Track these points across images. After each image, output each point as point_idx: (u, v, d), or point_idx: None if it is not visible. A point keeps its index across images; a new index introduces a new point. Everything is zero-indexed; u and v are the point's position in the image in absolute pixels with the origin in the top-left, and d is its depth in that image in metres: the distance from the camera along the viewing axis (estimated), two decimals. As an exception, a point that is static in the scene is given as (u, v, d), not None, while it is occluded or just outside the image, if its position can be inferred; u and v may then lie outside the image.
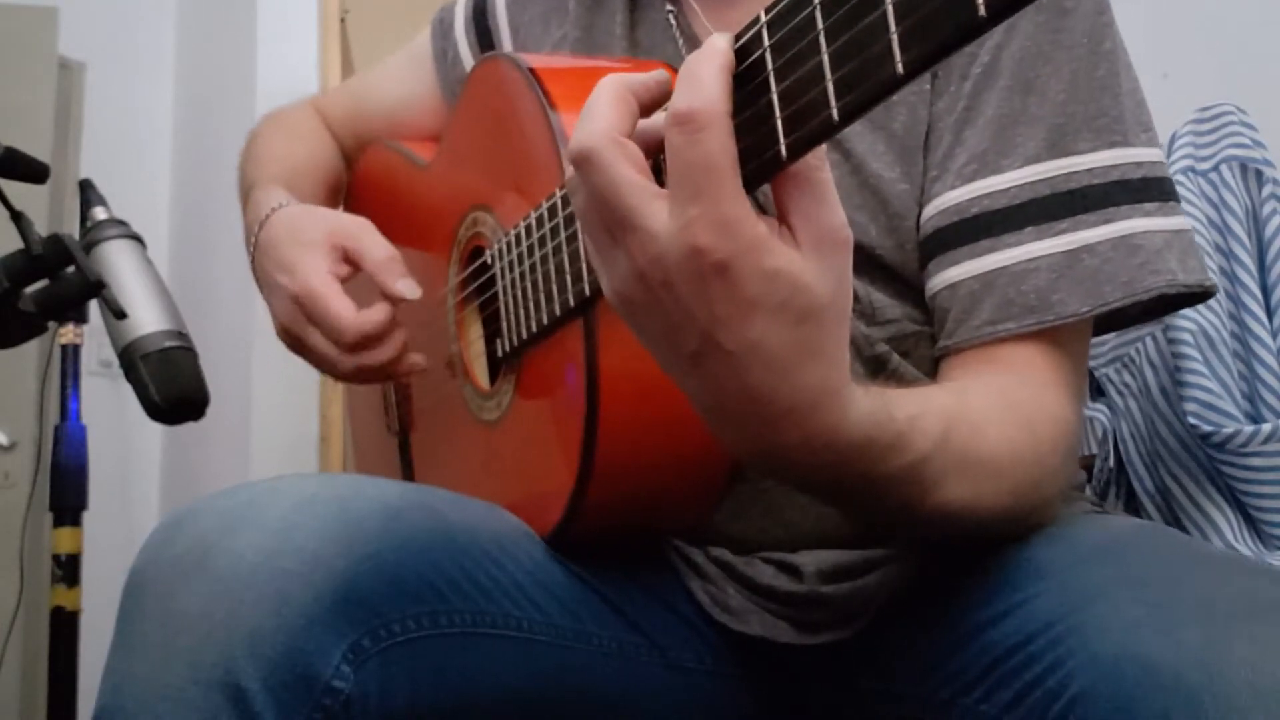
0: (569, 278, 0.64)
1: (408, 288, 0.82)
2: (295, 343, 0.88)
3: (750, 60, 0.46)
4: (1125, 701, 0.50)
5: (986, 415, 0.63)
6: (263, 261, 0.89)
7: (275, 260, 0.87)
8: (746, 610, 0.75)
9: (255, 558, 0.59)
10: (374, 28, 2.26)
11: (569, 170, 0.50)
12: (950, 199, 0.73)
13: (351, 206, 1.14)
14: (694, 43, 0.84)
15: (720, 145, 0.45)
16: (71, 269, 0.76)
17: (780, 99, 0.45)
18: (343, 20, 2.11)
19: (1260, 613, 0.52)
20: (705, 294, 0.47)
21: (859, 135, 0.75)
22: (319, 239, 0.85)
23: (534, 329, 0.71)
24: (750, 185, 0.46)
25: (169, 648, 0.57)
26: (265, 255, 0.89)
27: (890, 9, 0.40)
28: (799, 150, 0.45)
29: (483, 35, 1.00)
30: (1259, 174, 1.10)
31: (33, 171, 0.80)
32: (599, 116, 0.48)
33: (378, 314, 0.82)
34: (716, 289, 0.46)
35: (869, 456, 0.54)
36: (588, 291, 0.62)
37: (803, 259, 0.47)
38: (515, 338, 0.74)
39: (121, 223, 0.86)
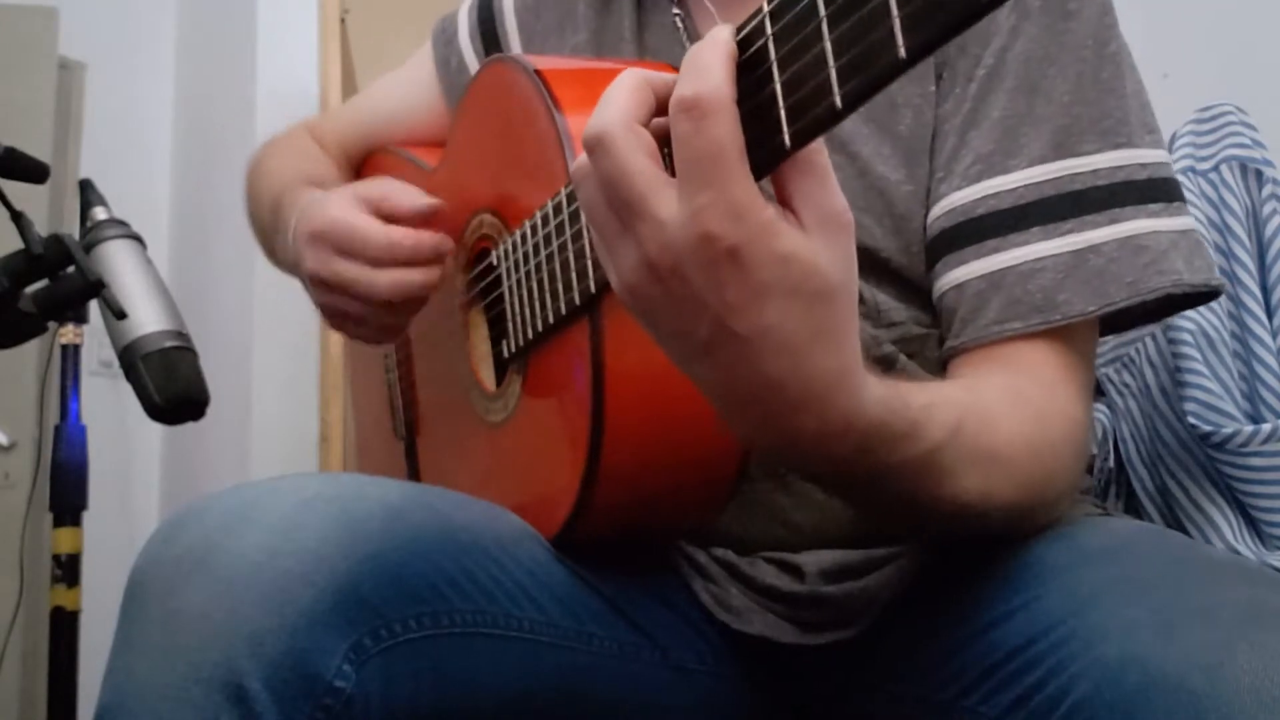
0: (574, 274, 0.64)
1: (425, 204, 0.82)
2: (327, 285, 0.84)
3: (753, 50, 0.46)
4: (1127, 707, 0.50)
5: (999, 409, 0.63)
6: (300, 232, 0.87)
7: (310, 220, 0.86)
8: (749, 610, 0.75)
9: (257, 557, 0.59)
10: (374, 28, 2.26)
11: (580, 157, 0.50)
12: (956, 200, 0.72)
13: None
14: None
15: (727, 131, 0.45)
16: (71, 269, 0.75)
17: (784, 87, 0.45)
18: (343, 20, 2.11)
19: (1263, 620, 0.52)
20: (717, 281, 0.46)
21: (865, 138, 0.75)
22: (345, 193, 0.86)
23: (539, 328, 0.70)
24: (755, 174, 0.46)
25: (170, 647, 0.57)
26: (302, 225, 0.87)
27: None
28: (803, 139, 0.45)
29: (489, 42, 1.00)
30: (1259, 174, 1.10)
31: (33, 171, 0.79)
32: (616, 103, 0.48)
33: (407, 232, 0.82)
34: (728, 275, 0.46)
35: (884, 444, 0.54)
36: (593, 288, 0.62)
37: (811, 242, 0.47)
38: (521, 338, 0.74)
39: (121, 223, 0.85)
